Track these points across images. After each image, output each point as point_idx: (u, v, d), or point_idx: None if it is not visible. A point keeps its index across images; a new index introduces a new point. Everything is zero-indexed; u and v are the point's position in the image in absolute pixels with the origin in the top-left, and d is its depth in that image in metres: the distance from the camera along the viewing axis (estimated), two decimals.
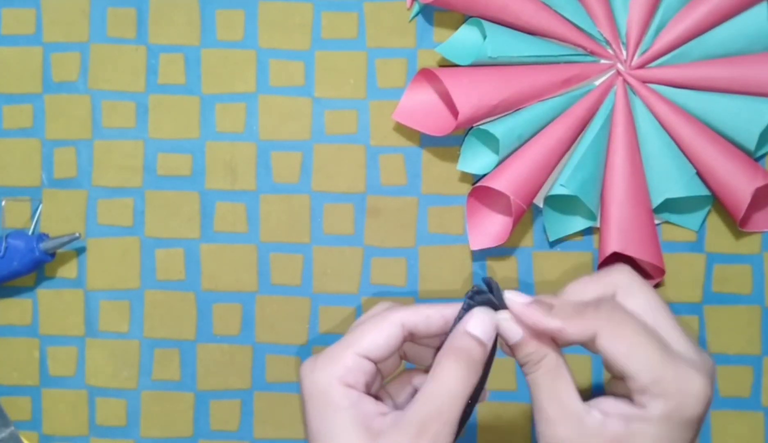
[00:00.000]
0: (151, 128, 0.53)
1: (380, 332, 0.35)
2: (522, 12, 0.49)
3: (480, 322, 0.35)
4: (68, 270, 0.52)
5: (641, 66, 0.50)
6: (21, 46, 0.53)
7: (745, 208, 0.47)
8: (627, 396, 0.34)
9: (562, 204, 0.50)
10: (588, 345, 0.35)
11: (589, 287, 0.36)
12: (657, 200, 0.49)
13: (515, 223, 0.49)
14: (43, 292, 0.53)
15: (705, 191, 0.49)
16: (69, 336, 0.52)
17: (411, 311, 0.36)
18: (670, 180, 0.49)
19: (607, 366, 0.34)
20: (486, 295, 0.36)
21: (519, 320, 0.35)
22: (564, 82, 0.49)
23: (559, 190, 0.48)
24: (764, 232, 0.51)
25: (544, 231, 0.51)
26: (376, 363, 0.36)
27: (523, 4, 0.48)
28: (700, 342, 0.51)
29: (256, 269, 0.52)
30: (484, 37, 0.49)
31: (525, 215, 0.51)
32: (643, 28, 0.49)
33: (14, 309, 0.53)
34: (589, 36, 0.50)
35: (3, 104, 0.53)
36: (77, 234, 0.50)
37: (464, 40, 0.51)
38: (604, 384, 0.36)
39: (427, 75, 0.50)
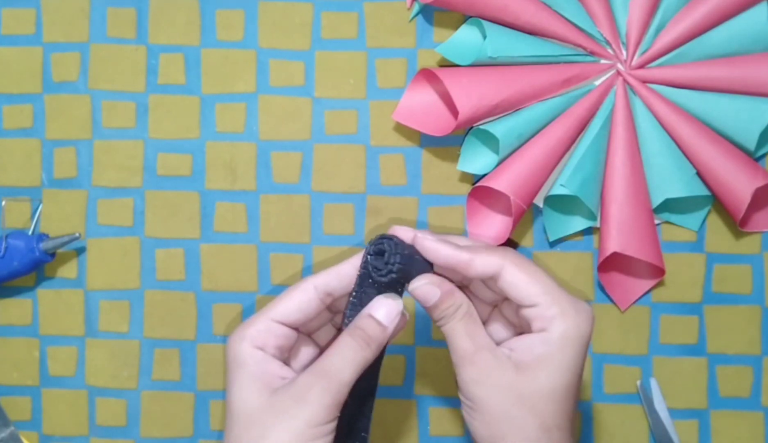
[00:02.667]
0: (151, 128, 0.53)
1: (292, 299, 0.38)
2: (522, 12, 0.49)
3: (384, 307, 0.38)
4: (68, 270, 0.52)
5: (641, 66, 0.50)
6: (21, 46, 0.53)
7: (745, 208, 0.47)
8: (525, 330, 0.39)
9: (562, 204, 0.50)
10: (488, 283, 0.40)
11: (488, 258, 0.39)
12: (657, 200, 0.49)
13: (515, 223, 0.49)
14: (43, 292, 0.53)
15: (705, 191, 0.49)
16: (69, 336, 0.52)
17: (323, 272, 0.39)
18: (670, 180, 0.49)
19: (511, 296, 0.38)
20: (388, 242, 0.38)
21: (431, 254, 0.39)
22: (564, 82, 0.49)
23: (559, 190, 0.48)
24: (764, 232, 0.51)
25: (544, 231, 0.51)
26: (294, 326, 0.38)
27: (523, 4, 0.48)
28: (700, 342, 0.51)
29: (256, 269, 0.52)
30: (484, 37, 0.49)
31: (525, 215, 0.51)
32: (643, 28, 0.49)
33: (14, 309, 0.53)
34: (589, 36, 0.50)
35: (3, 104, 0.53)
36: (77, 234, 0.50)
37: (464, 40, 0.51)
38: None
39: (427, 75, 0.50)
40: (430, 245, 0.39)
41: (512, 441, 0.36)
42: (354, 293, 0.39)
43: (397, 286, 0.39)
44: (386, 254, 0.38)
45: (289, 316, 0.38)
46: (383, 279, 0.38)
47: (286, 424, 0.35)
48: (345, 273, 0.39)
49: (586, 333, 0.37)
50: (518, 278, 0.37)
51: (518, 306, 0.38)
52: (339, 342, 0.37)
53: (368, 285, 0.39)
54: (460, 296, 0.39)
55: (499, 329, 0.41)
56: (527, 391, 0.37)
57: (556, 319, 0.37)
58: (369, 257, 0.39)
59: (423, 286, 0.39)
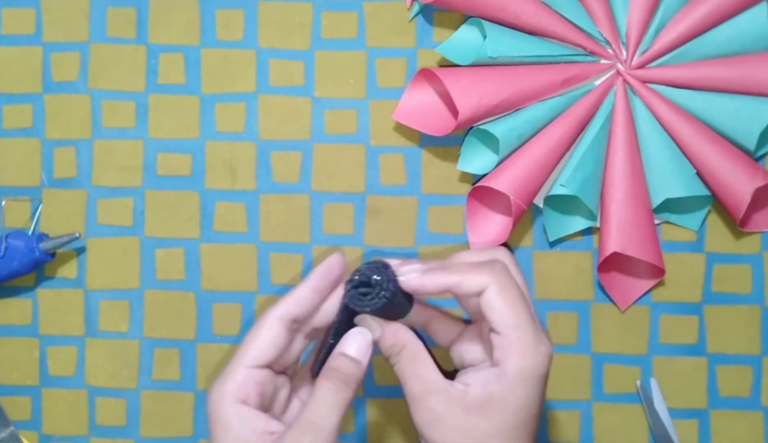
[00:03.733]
0: (151, 128, 0.53)
1: (261, 338, 0.37)
2: (522, 12, 0.49)
3: (354, 343, 0.38)
4: (68, 270, 0.52)
5: (641, 66, 0.50)
6: (21, 46, 0.53)
7: (745, 208, 0.47)
8: (482, 360, 0.39)
9: (562, 204, 0.50)
10: (466, 300, 0.40)
11: (474, 257, 0.40)
12: (657, 200, 0.49)
13: (515, 223, 0.49)
14: (43, 292, 0.53)
15: (705, 191, 0.49)
16: (69, 336, 0.52)
17: (282, 302, 0.38)
18: (670, 180, 0.49)
19: (485, 314, 0.37)
20: (372, 275, 0.38)
21: (420, 289, 0.38)
22: (564, 82, 0.49)
23: (559, 190, 0.48)
24: (764, 232, 0.51)
25: (544, 231, 0.51)
26: (269, 365, 0.38)
27: (523, 4, 0.48)
28: (700, 342, 0.51)
29: (256, 269, 0.52)
30: (484, 37, 0.49)
31: (525, 215, 0.51)
32: (643, 28, 0.49)
33: (14, 309, 0.53)
34: (589, 36, 0.50)
35: (3, 104, 0.53)
36: (77, 234, 0.50)
37: (464, 40, 0.51)
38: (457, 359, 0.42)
39: (427, 75, 0.50)
40: (417, 283, 0.38)
41: None
42: (333, 332, 0.39)
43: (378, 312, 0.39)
44: (376, 288, 0.38)
45: (262, 357, 0.37)
46: (365, 310, 0.38)
47: None
48: (304, 297, 0.38)
49: (543, 372, 0.37)
50: (494, 302, 0.37)
51: (491, 328, 0.38)
52: (318, 389, 0.37)
53: (345, 320, 0.39)
54: (404, 336, 0.39)
55: (474, 347, 0.40)
56: (478, 431, 0.36)
57: (514, 356, 0.36)
58: (352, 290, 0.38)
59: (365, 320, 0.39)
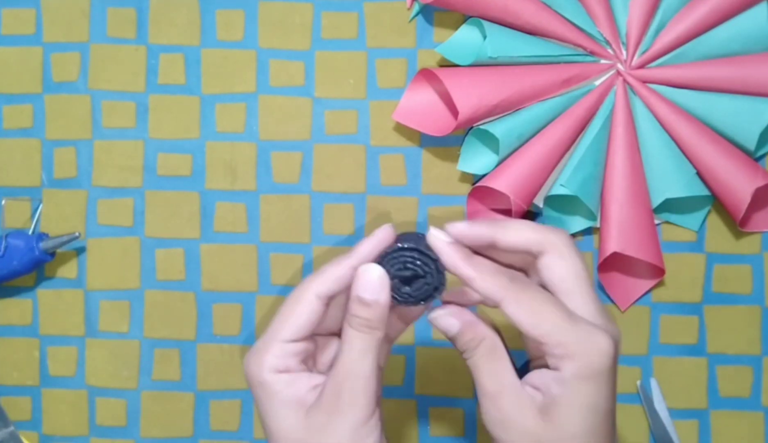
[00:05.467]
0: (151, 128, 0.53)
1: (298, 314, 0.36)
2: (522, 12, 0.49)
3: (365, 282, 0.36)
4: (68, 270, 0.52)
5: (641, 66, 0.50)
6: (21, 46, 0.53)
7: (745, 208, 0.47)
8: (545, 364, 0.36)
9: (562, 204, 0.50)
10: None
11: (525, 233, 0.36)
12: (657, 200, 0.49)
13: None
14: (43, 292, 0.53)
15: (705, 191, 0.49)
16: (69, 336, 0.52)
17: (321, 279, 0.36)
18: (670, 180, 0.49)
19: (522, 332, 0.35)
20: (412, 239, 0.36)
21: (440, 252, 0.36)
22: (564, 82, 0.49)
23: (559, 190, 0.48)
24: (764, 232, 0.51)
25: None
26: (307, 338, 0.37)
27: (523, 4, 0.48)
28: (700, 342, 0.51)
29: (256, 269, 0.52)
30: (484, 37, 0.49)
31: (525, 215, 0.51)
32: (643, 28, 0.49)
33: (14, 309, 0.53)
34: (589, 36, 0.50)
35: (3, 104, 0.53)
36: (77, 234, 0.50)
37: (464, 40, 0.51)
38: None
39: (427, 75, 0.50)
40: (440, 246, 0.36)
41: None
42: None
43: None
44: (419, 281, 0.36)
45: (299, 332, 0.36)
46: (408, 302, 0.37)
47: (332, 439, 0.35)
48: (343, 276, 0.37)
49: (603, 369, 0.34)
50: (518, 316, 0.35)
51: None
52: (345, 337, 0.36)
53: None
54: (482, 330, 0.37)
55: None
56: (549, 438, 0.34)
57: (566, 360, 0.34)
58: (394, 280, 0.36)
59: (442, 317, 0.37)
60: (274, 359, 0.36)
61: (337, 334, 0.39)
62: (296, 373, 0.36)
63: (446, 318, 0.37)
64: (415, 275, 0.36)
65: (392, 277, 0.36)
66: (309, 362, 0.38)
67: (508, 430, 0.35)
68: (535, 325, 0.34)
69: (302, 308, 0.36)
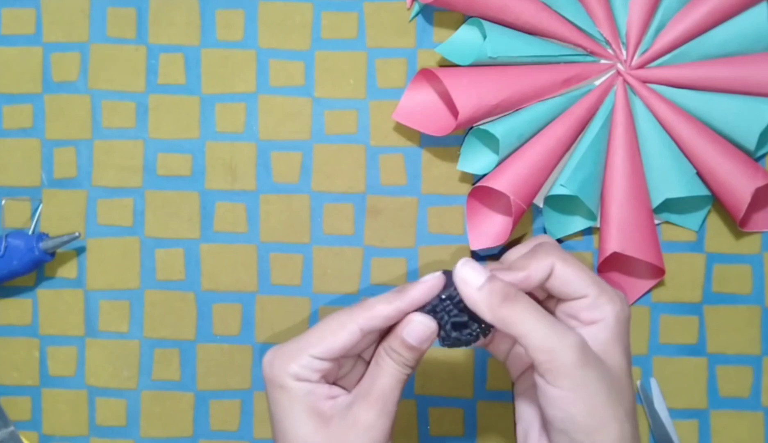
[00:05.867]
0: (151, 128, 0.53)
1: (337, 339, 0.38)
2: (522, 12, 0.49)
3: (414, 330, 0.38)
4: (68, 270, 0.52)
5: (641, 66, 0.50)
6: (21, 46, 0.53)
7: (745, 208, 0.47)
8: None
9: (562, 204, 0.50)
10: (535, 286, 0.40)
11: (521, 250, 0.42)
12: (657, 200, 0.49)
13: (515, 223, 0.49)
14: (43, 292, 0.53)
15: (705, 191, 0.49)
16: (69, 336, 0.52)
17: (369, 314, 0.38)
18: (670, 180, 0.49)
19: (558, 290, 0.39)
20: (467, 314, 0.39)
21: (490, 299, 0.38)
22: (564, 82, 0.49)
23: (559, 190, 0.48)
24: (764, 232, 0.51)
25: (544, 231, 0.51)
26: (334, 360, 0.39)
27: (524, 4, 0.48)
28: (700, 342, 0.51)
29: (256, 269, 0.52)
30: (484, 37, 0.49)
31: (525, 215, 0.51)
32: (643, 28, 0.49)
33: (14, 309, 0.53)
34: (589, 36, 0.50)
35: (3, 104, 0.53)
36: (77, 234, 0.50)
37: (464, 40, 0.51)
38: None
39: (427, 75, 0.50)
40: (487, 291, 0.38)
41: (610, 430, 0.36)
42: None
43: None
44: (468, 327, 0.39)
45: (332, 354, 0.38)
46: (457, 345, 0.39)
47: None
48: (391, 317, 0.38)
49: (629, 314, 0.39)
50: (567, 273, 0.39)
51: (560, 301, 0.40)
52: (382, 365, 0.39)
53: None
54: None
55: None
56: (613, 373, 0.37)
57: (607, 305, 0.38)
58: (447, 326, 0.39)
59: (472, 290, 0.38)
60: (299, 368, 0.38)
61: (355, 355, 0.41)
62: (316, 383, 0.38)
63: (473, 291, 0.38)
64: (463, 323, 0.38)
65: (441, 326, 0.38)
66: (330, 377, 0.40)
67: (587, 371, 0.36)
68: (583, 279, 0.39)
69: (343, 335, 0.38)
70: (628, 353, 0.39)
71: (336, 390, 0.39)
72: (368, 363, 0.41)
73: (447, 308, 0.38)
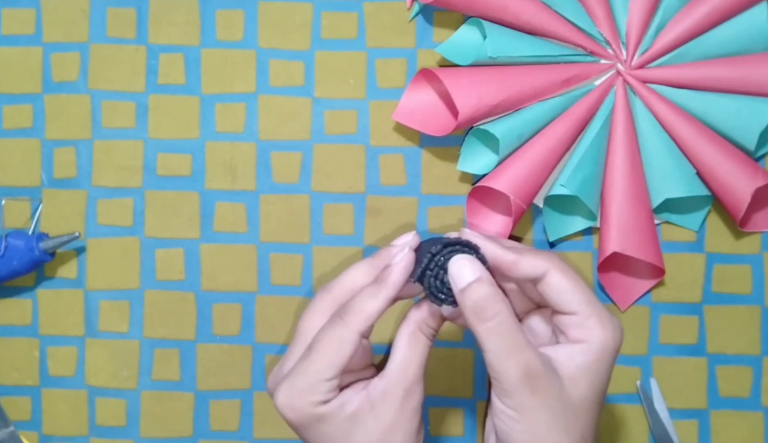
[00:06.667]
0: (151, 128, 0.53)
1: (344, 354, 0.37)
2: (522, 12, 0.49)
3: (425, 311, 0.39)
4: (68, 270, 0.52)
5: (641, 66, 0.50)
6: (21, 46, 0.53)
7: (745, 208, 0.47)
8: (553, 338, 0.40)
9: (562, 204, 0.50)
10: (526, 285, 0.40)
11: (535, 260, 0.39)
12: (657, 200, 0.49)
13: (515, 223, 0.49)
14: (43, 292, 0.53)
15: (705, 191, 0.49)
16: (69, 336, 0.52)
17: (363, 318, 0.38)
18: (670, 180, 0.49)
19: (551, 300, 0.38)
20: (440, 242, 0.38)
21: (482, 244, 0.38)
22: (564, 82, 0.49)
23: (559, 190, 0.48)
24: (764, 232, 0.51)
25: (544, 231, 0.51)
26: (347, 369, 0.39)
27: (524, 5, 0.48)
28: (700, 342, 0.51)
29: (256, 269, 0.52)
30: (484, 37, 0.49)
31: (525, 215, 0.51)
32: (643, 28, 0.49)
33: (14, 309, 0.53)
34: (589, 36, 0.50)
35: (3, 104, 0.53)
36: (77, 234, 0.50)
37: (464, 40, 0.51)
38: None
39: (427, 75, 0.50)
40: (477, 242, 0.38)
41: None
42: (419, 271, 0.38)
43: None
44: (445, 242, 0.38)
45: (343, 369, 0.38)
46: (445, 303, 0.38)
47: (402, 421, 0.38)
48: (383, 309, 0.38)
49: (619, 345, 0.38)
50: (562, 284, 0.38)
51: (554, 312, 0.39)
52: (417, 345, 0.39)
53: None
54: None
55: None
56: (571, 402, 0.36)
57: (596, 329, 0.37)
58: (435, 281, 0.38)
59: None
60: (322, 396, 0.37)
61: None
62: (341, 395, 0.38)
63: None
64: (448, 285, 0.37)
65: (444, 272, 0.37)
66: (344, 381, 0.39)
67: (537, 394, 0.36)
68: (576, 295, 0.37)
69: (348, 348, 0.37)
70: (599, 385, 0.37)
71: (357, 387, 0.39)
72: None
73: (436, 266, 0.37)
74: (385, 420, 0.37)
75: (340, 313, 0.38)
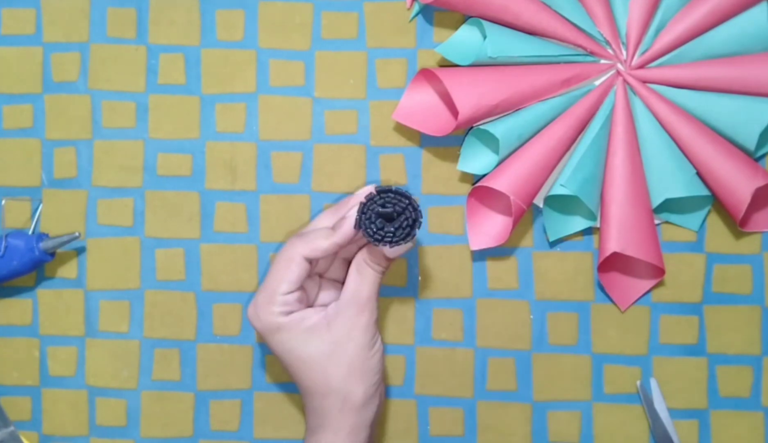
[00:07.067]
0: (151, 128, 0.53)
1: (292, 272, 0.44)
2: (522, 12, 0.49)
3: (395, 249, 0.44)
4: (68, 270, 0.52)
5: (641, 66, 0.50)
6: (21, 46, 0.53)
7: (745, 208, 0.47)
8: None
9: (562, 204, 0.50)
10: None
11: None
12: (657, 200, 0.49)
13: (515, 223, 0.49)
14: (43, 292, 0.52)
15: (705, 191, 0.49)
16: (69, 336, 0.52)
17: (310, 247, 0.44)
18: (670, 180, 0.49)
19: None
20: (396, 205, 0.42)
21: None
22: (564, 82, 0.49)
23: (559, 190, 0.48)
24: (764, 232, 0.51)
25: (544, 231, 0.51)
26: (299, 288, 0.45)
27: (524, 4, 0.48)
28: (700, 342, 0.51)
29: (256, 269, 0.52)
30: (484, 37, 0.49)
31: (525, 215, 0.51)
32: (643, 28, 0.49)
33: (14, 309, 0.53)
34: (589, 36, 0.50)
35: (3, 104, 0.53)
36: (77, 234, 0.50)
37: (464, 40, 0.51)
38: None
39: (427, 75, 0.50)
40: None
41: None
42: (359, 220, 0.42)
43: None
44: (402, 218, 0.42)
45: (294, 286, 0.44)
46: (389, 242, 0.42)
47: (353, 336, 0.44)
48: (329, 251, 0.44)
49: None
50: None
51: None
52: (366, 275, 0.44)
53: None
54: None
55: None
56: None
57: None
58: (378, 220, 0.42)
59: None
60: (281, 307, 0.44)
61: (320, 275, 0.47)
62: (302, 311, 0.45)
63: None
64: (394, 212, 0.42)
65: (376, 216, 0.42)
66: (304, 299, 0.46)
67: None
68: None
69: (294, 269, 0.44)
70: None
71: (318, 308, 0.45)
72: (328, 277, 0.48)
73: (378, 203, 0.42)
74: (337, 332, 0.44)
75: (293, 238, 0.45)
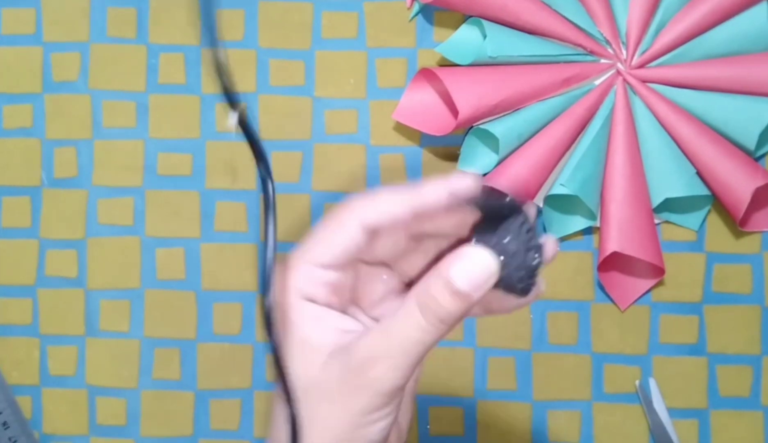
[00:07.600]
0: (151, 128, 0.53)
1: (336, 239, 0.29)
2: (522, 11, 0.49)
3: (469, 270, 0.28)
4: (68, 270, 0.52)
5: (641, 66, 0.50)
6: (21, 46, 0.53)
7: (745, 208, 0.47)
8: None
9: (562, 204, 0.50)
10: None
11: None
12: (657, 200, 0.49)
13: None
14: (43, 292, 0.53)
15: (705, 191, 0.49)
16: (69, 336, 0.52)
17: (372, 208, 0.29)
18: (670, 180, 0.49)
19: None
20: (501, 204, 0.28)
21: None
22: (564, 82, 0.49)
23: (559, 189, 0.48)
24: (764, 232, 0.51)
25: (545, 231, 0.51)
26: (342, 267, 0.30)
27: (523, 4, 0.48)
28: (700, 342, 0.51)
29: (256, 269, 0.52)
30: (484, 36, 0.49)
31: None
32: (643, 28, 0.49)
33: (14, 309, 0.53)
34: (589, 36, 0.50)
35: (3, 104, 0.53)
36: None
37: (464, 40, 0.51)
38: None
39: (427, 75, 0.50)
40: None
41: None
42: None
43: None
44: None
45: (334, 259, 0.29)
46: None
47: (346, 402, 0.29)
48: (399, 216, 0.29)
49: None
50: None
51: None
52: (408, 312, 0.28)
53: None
54: None
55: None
56: None
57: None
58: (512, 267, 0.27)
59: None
60: (302, 282, 0.30)
61: (389, 265, 0.32)
62: (324, 307, 0.30)
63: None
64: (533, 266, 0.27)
65: (512, 264, 0.27)
66: (344, 295, 0.31)
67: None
68: None
69: (342, 235, 0.29)
70: None
71: (350, 322, 0.30)
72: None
73: (521, 238, 0.27)
74: (341, 382, 0.29)
75: (349, 201, 0.30)
